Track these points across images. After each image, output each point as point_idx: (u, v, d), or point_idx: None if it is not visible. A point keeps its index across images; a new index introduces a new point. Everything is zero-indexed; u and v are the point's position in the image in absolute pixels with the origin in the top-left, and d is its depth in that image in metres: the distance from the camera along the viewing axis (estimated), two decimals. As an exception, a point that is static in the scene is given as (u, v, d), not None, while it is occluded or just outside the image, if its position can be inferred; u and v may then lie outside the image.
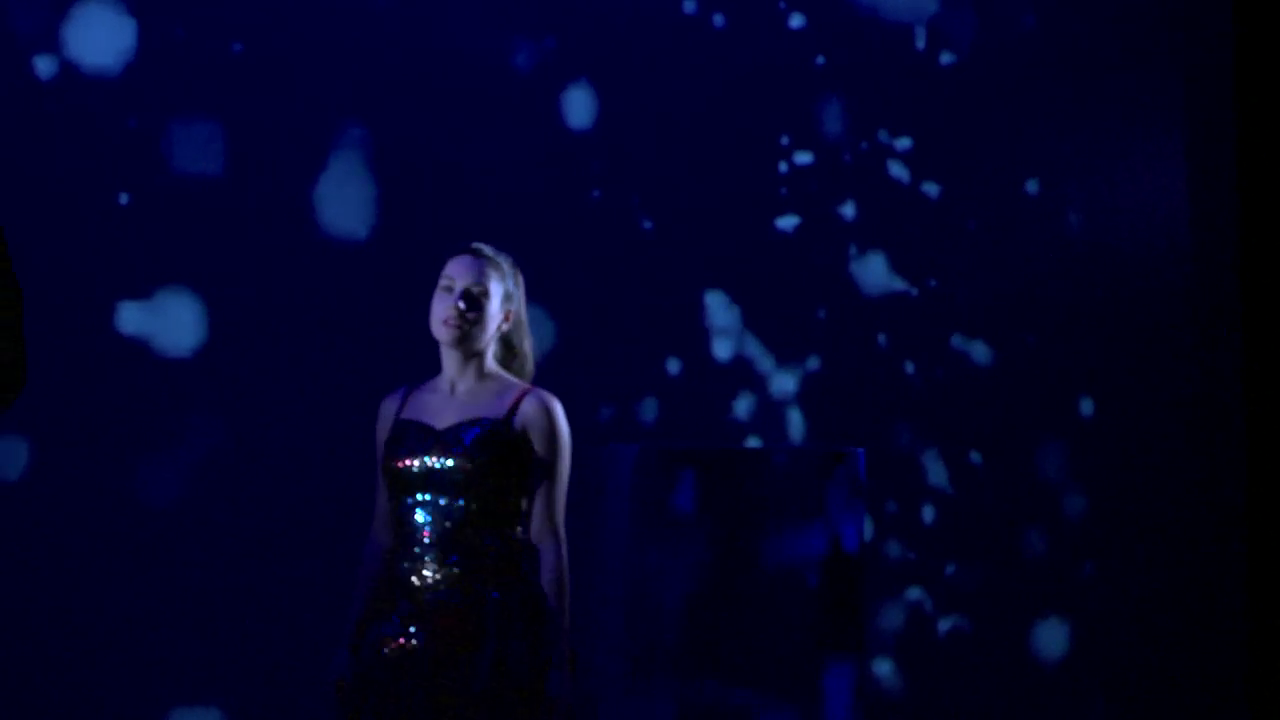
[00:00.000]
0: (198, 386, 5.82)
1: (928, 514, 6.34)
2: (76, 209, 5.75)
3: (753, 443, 6.18)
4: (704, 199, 6.21)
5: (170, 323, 5.81)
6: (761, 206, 6.26)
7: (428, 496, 4.10)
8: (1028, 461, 6.40)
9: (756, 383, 6.24)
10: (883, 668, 6.26)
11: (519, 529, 4.17)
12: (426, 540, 4.09)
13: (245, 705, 5.79)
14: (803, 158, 6.31)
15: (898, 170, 6.39)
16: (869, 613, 6.05)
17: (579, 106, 6.14)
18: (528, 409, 4.20)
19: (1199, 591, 6.47)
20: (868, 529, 6.15)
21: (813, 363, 6.28)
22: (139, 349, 5.78)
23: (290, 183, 5.91)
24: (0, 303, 1.95)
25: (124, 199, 5.79)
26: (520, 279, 4.30)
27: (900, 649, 6.29)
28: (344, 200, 5.95)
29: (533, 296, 6.12)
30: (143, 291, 5.79)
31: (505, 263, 4.26)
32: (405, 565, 4.10)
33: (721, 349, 6.22)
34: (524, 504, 4.19)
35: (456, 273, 4.20)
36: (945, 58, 6.43)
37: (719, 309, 6.22)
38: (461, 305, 4.15)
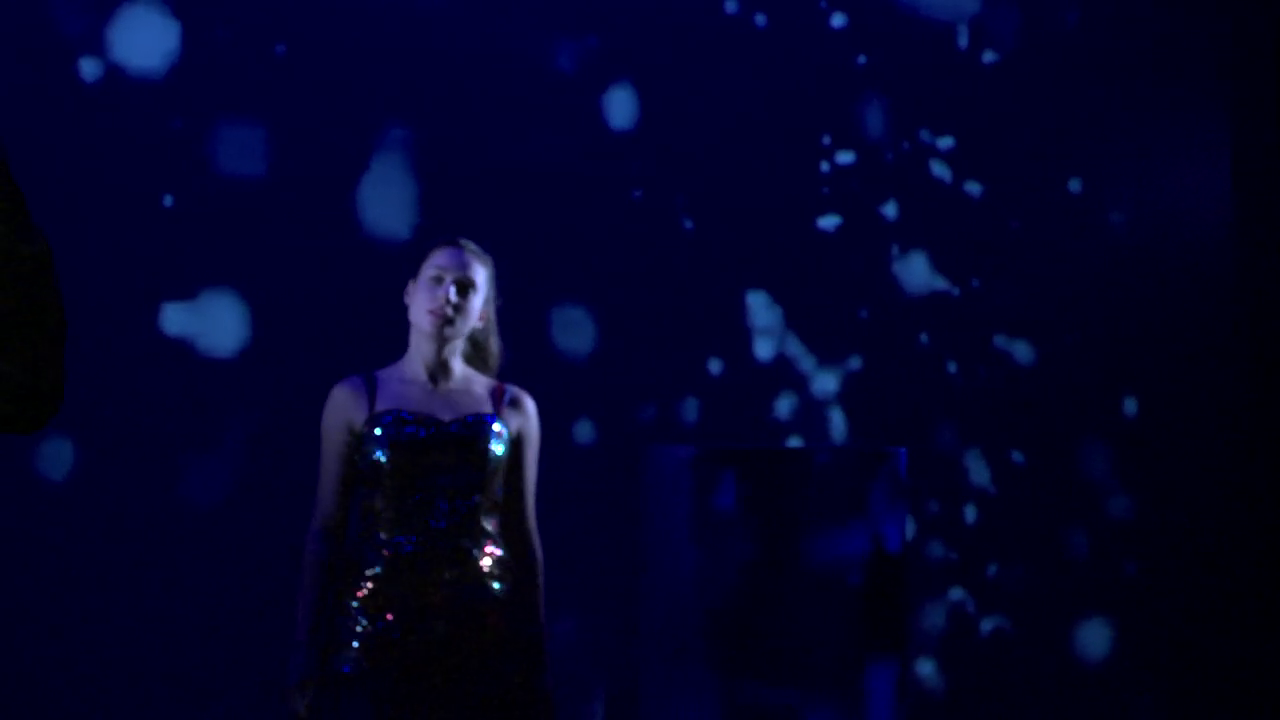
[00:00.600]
0: (241, 387, 5.84)
1: (970, 514, 6.33)
2: (121, 211, 5.78)
3: (794, 443, 6.18)
4: (745, 199, 6.21)
5: (214, 324, 5.83)
6: (803, 206, 6.26)
7: (438, 490, 4.07)
8: (1070, 461, 6.38)
9: (798, 382, 6.23)
10: (925, 668, 6.25)
11: (500, 524, 4.17)
12: (437, 534, 4.06)
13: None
14: (844, 157, 6.30)
15: (940, 170, 6.38)
16: (911, 613, 6.04)
17: (621, 107, 6.14)
18: (512, 404, 4.21)
19: (1243, 591, 6.43)
20: (910, 529, 6.14)
21: (854, 362, 6.28)
22: (183, 350, 5.80)
23: (333, 184, 5.93)
24: (45, 328, 1.95)
25: (168, 201, 5.82)
26: (495, 283, 4.30)
27: (942, 649, 6.27)
28: (386, 201, 5.97)
29: (574, 297, 6.13)
30: (186, 292, 5.82)
31: (490, 262, 4.27)
32: (407, 560, 4.07)
33: (763, 349, 6.22)
34: (502, 500, 4.19)
35: (447, 264, 4.19)
36: (987, 56, 6.41)
37: (760, 309, 6.22)
38: (454, 296, 4.15)
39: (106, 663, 5.67)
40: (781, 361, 6.23)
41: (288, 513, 5.84)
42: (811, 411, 6.24)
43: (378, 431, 4.08)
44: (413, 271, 4.28)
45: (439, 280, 4.17)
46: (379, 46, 5.97)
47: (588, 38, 6.13)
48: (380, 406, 4.12)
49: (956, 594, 6.30)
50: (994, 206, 6.38)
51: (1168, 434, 6.44)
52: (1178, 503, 6.44)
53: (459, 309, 4.15)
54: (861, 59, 6.31)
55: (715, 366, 6.17)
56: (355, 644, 4.01)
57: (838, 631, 5.07)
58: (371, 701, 3.99)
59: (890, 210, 6.32)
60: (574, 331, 6.10)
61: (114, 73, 5.81)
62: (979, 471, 6.34)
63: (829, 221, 6.29)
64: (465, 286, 4.17)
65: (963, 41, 6.40)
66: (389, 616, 4.01)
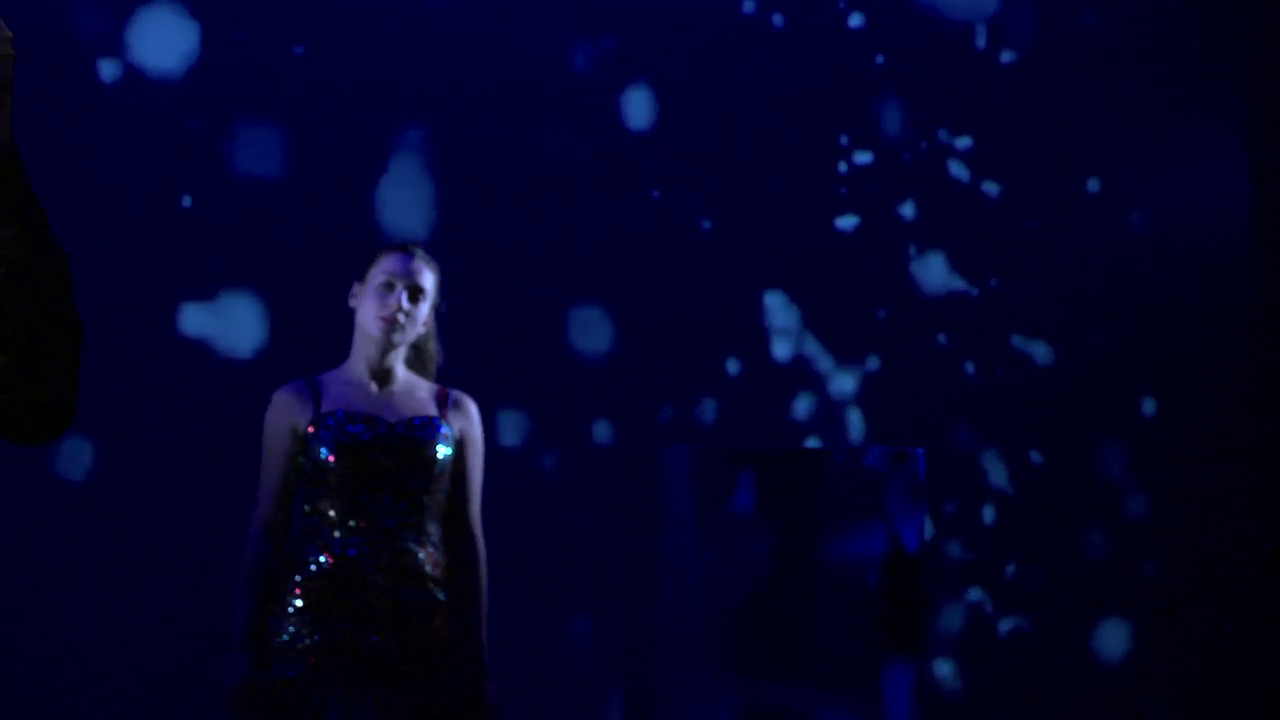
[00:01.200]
0: (259, 387, 5.85)
1: (988, 514, 6.32)
2: (140, 212, 5.79)
3: (812, 443, 6.17)
4: (763, 199, 6.20)
5: (232, 324, 5.84)
6: (821, 206, 6.25)
7: (384, 491, 4.06)
8: (1089, 461, 6.37)
9: (816, 383, 6.23)
10: (943, 668, 6.24)
11: (445, 527, 4.16)
12: (383, 536, 4.05)
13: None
14: (862, 157, 6.29)
15: (958, 169, 6.37)
16: (929, 613, 6.03)
17: (638, 107, 6.14)
18: (455, 407, 4.21)
19: (1262, 591, 6.42)
20: (928, 529, 6.13)
21: (872, 363, 6.27)
22: (202, 350, 5.82)
23: (351, 184, 5.94)
24: (62, 343, 1.96)
25: (187, 201, 5.83)
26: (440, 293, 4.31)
27: (960, 650, 6.26)
28: (404, 202, 5.97)
29: (592, 297, 6.13)
30: (205, 293, 5.83)
31: (437, 268, 4.27)
32: (354, 562, 4.03)
33: (781, 349, 6.22)
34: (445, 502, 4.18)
35: (397, 270, 4.19)
36: (1005, 56, 6.41)
37: (778, 309, 6.22)
38: (405, 304, 4.15)
39: (125, 662, 5.68)
40: (799, 362, 6.23)
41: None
42: (829, 412, 6.23)
43: (322, 432, 4.07)
44: (359, 275, 4.28)
45: (390, 287, 4.16)
46: (397, 48, 5.98)
47: (605, 38, 6.13)
48: (326, 408, 4.12)
49: (975, 594, 6.30)
50: (1012, 206, 6.37)
51: (1186, 434, 6.43)
52: (1196, 502, 6.43)
53: (409, 315, 4.16)
54: (879, 59, 6.31)
55: (733, 367, 6.17)
56: (298, 647, 3.99)
57: (855, 632, 5.06)
58: (314, 706, 3.98)
59: (908, 210, 6.32)
60: (592, 332, 6.10)
61: (133, 74, 5.82)
62: (997, 471, 6.33)
63: (847, 221, 6.28)
64: (416, 293, 4.17)
65: (981, 41, 6.39)
66: (333, 619, 3.99)
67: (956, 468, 6.26)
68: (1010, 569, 6.31)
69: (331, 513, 4.04)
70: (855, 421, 6.24)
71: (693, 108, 6.17)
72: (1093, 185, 6.43)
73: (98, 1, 5.80)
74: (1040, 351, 6.38)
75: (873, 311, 6.27)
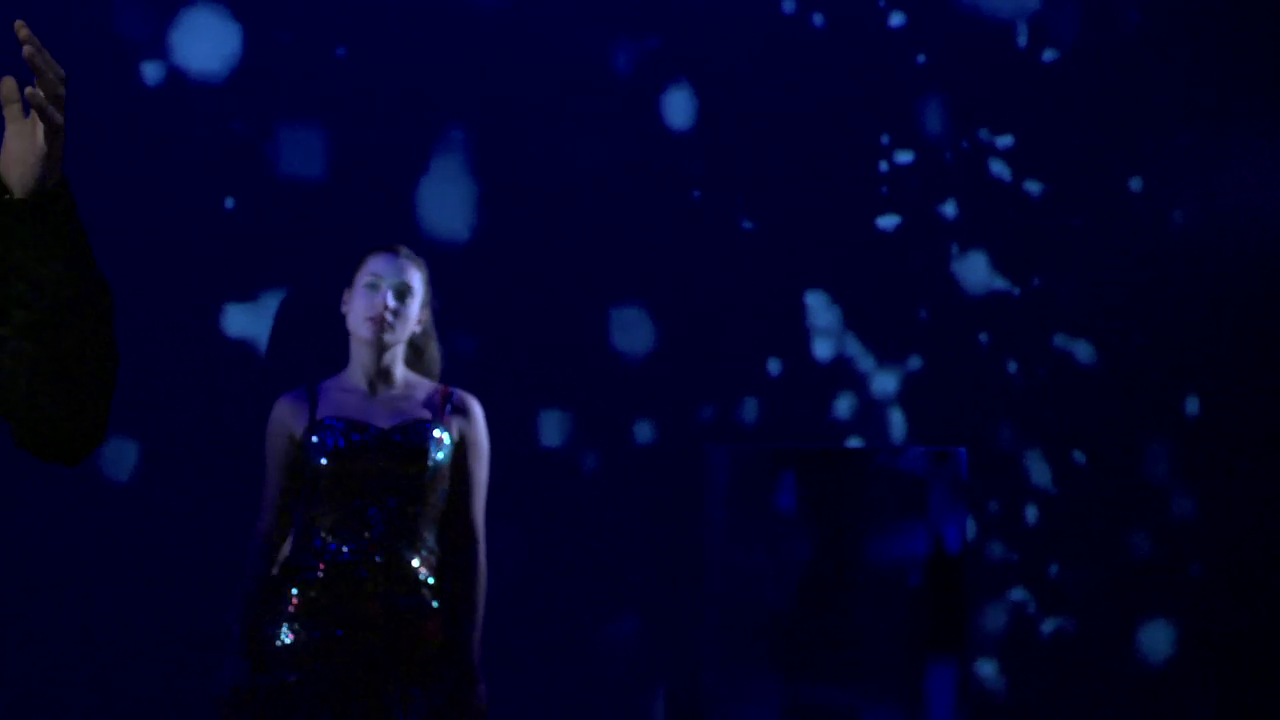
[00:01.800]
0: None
1: (1031, 514, 6.30)
2: (183, 213, 5.82)
3: (854, 443, 6.16)
4: (804, 199, 6.20)
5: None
6: (862, 206, 6.24)
7: (378, 497, 4.04)
8: (1132, 461, 6.34)
9: (857, 382, 6.22)
10: (986, 669, 6.22)
11: (442, 533, 4.12)
12: (375, 542, 4.02)
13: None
14: (903, 157, 6.28)
15: (999, 168, 6.35)
16: (972, 613, 6.01)
17: (679, 107, 6.14)
18: (456, 409, 4.16)
19: (1308, 593, 6.38)
20: (970, 529, 6.11)
21: (914, 362, 6.26)
22: (245, 351, 5.84)
23: (392, 185, 5.95)
24: (99, 373, 2.01)
25: (229, 203, 5.86)
26: (429, 285, 4.28)
27: (1003, 650, 6.24)
28: (445, 202, 5.99)
29: (633, 297, 6.13)
30: (248, 294, 5.85)
31: (424, 265, 4.24)
32: (345, 568, 4.03)
33: (822, 349, 6.21)
34: (445, 507, 4.14)
35: (383, 270, 4.16)
36: (1047, 55, 6.38)
37: (819, 309, 6.21)
38: (391, 302, 4.12)
39: (170, 661, 5.70)
40: (840, 361, 6.22)
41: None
42: (871, 411, 6.22)
43: (315, 439, 4.07)
44: (348, 280, 4.27)
45: (375, 287, 4.14)
46: (438, 48, 5.99)
47: (646, 38, 6.13)
48: (320, 414, 4.11)
49: (1017, 595, 6.27)
50: (1054, 205, 6.35)
51: (1230, 433, 6.39)
52: (1241, 503, 6.39)
53: (397, 314, 4.13)
54: (920, 58, 6.29)
55: (774, 367, 6.16)
56: (292, 652, 3.99)
57: (898, 632, 5.05)
58: (306, 711, 3.97)
59: (949, 209, 6.30)
60: (633, 332, 6.10)
61: (175, 76, 5.85)
62: (1040, 471, 6.31)
63: (888, 221, 6.27)
64: (402, 292, 4.14)
65: (1022, 40, 6.37)
66: (325, 624, 3.99)
67: (999, 468, 6.24)
68: (1053, 569, 6.29)
69: (325, 519, 4.05)
70: (897, 421, 6.23)
71: (733, 107, 6.16)
72: (1135, 184, 6.40)
73: (141, 4, 5.83)
74: (1083, 351, 6.36)
75: (914, 311, 6.25)
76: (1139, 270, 6.38)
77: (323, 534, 4.02)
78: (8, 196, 1.91)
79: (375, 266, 4.16)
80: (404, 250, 4.21)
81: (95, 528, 5.70)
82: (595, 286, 6.05)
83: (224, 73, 5.88)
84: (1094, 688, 6.28)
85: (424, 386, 4.19)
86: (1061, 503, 6.30)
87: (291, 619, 4.00)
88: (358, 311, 4.14)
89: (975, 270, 6.31)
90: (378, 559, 4.00)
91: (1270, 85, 6.48)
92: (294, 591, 4.03)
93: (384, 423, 4.08)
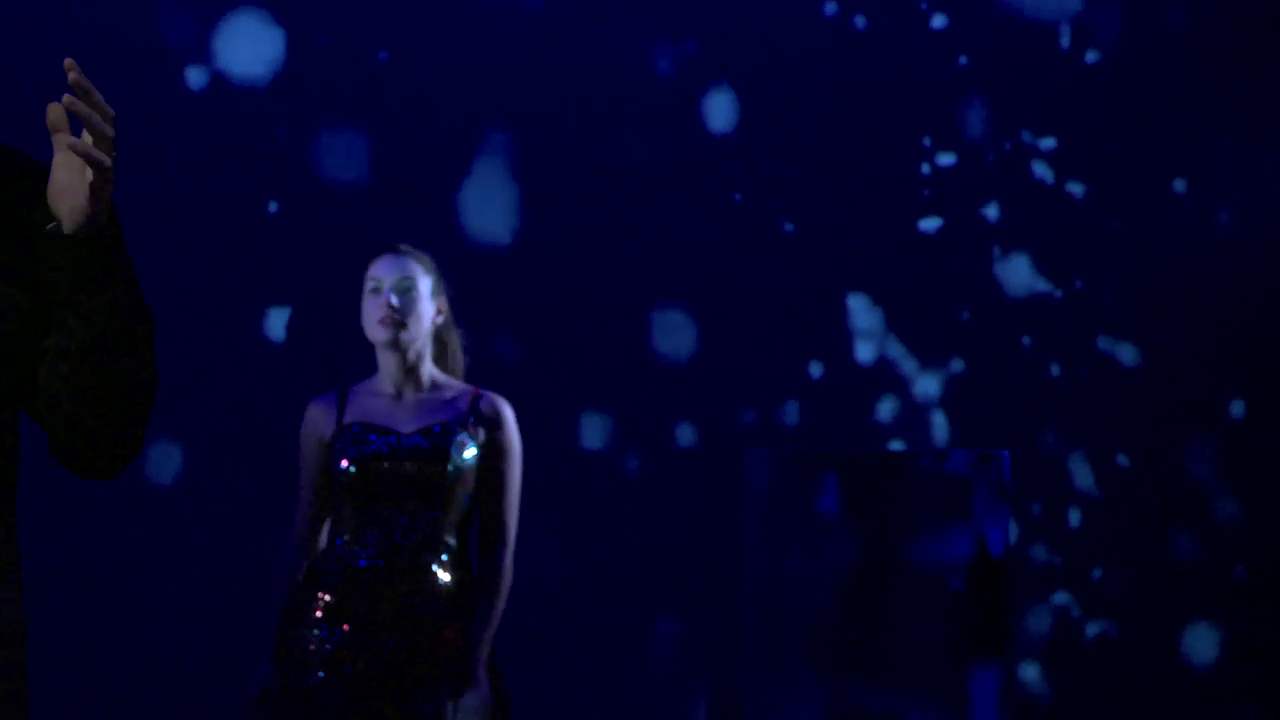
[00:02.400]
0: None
1: (1074, 517, 6.27)
2: (227, 217, 5.84)
3: (896, 446, 6.15)
4: (846, 201, 6.19)
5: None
6: (904, 208, 6.23)
7: (399, 501, 4.03)
8: (1176, 464, 6.31)
9: (900, 385, 6.21)
10: (1029, 672, 6.21)
11: (469, 538, 4.09)
12: (395, 547, 4.02)
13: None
14: (945, 159, 6.27)
15: (1042, 170, 6.33)
16: (1014, 617, 6.00)
17: (720, 110, 6.14)
18: (484, 413, 4.12)
19: (1354, 596, 6.34)
20: (1013, 532, 6.10)
21: (956, 365, 6.24)
22: (288, 354, 5.86)
23: (435, 188, 5.97)
24: (136, 397, 2.05)
25: (273, 207, 5.88)
26: (440, 275, 4.23)
27: (1047, 653, 6.22)
28: (488, 205, 6.00)
29: (674, 299, 6.14)
30: (291, 298, 5.87)
31: (427, 259, 4.21)
32: (363, 574, 4.05)
33: (864, 351, 6.20)
34: (472, 512, 4.11)
35: (382, 272, 4.13)
36: (1090, 56, 6.36)
37: (861, 311, 6.20)
38: (395, 301, 4.08)
39: (214, 663, 5.73)
40: (883, 364, 6.21)
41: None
42: (913, 414, 6.21)
43: (339, 443, 4.07)
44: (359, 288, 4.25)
45: (378, 290, 4.11)
46: (480, 51, 6.01)
47: (687, 41, 6.14)
48: (347, 419, 4.10)
49: (1061, 598, 6.25)
50: (1097, 207, 6.33)
51: (1275, 435, 6.36)
52: (1286, 506, 6.35)
53: (404, 311, 4.09)
54: (962, 60, 6.28)
55: (816, 369, 6.16)
56: (312, 656, 4.00)
57: (941, 635, 5.04)
58: (325, 715, 3.98)
59: (992, 211, 6.28)
60: (674, 334, 6.10)
61: (219, 81, 5.88)
62: (1083, 474, 6.28)
63: (930, 223, 6.26)
64: (405, 288, 4.10)
65: (1065, 41, 6.35)
66: (344, 628, 3.99)
67: (1042, 470, 6.22)
68: (1097, 573, 6.27)
69: (347, 523, 4.05)
70: (939, 424, 6.22)
71: (775, 110, 6.16)
72: (1179, 185, 6.38)
73: (185, 10, 5.86)
74: (1126, 353, 6.33)
75: (956, 313, 6.24)
76: (1182, 272, 6.35)
77: (345, 538, 4.03)
78: (53, 225, 1.93)
79: (375, 270, 4.14)
80: (403, 247, 4.18)
81: (140, 530, 5.73)
82: (637, 289, 6.05)
83: (267, 77, 5.91)
84: (1137, 692, 6.25)
85: (453, 389, 4.15)
86: (1105, 506, 6.27)
87: (316, 623, 4.02)
88: (367, 318, 4.12)
89: (1018, 272, 6.30)
90: (396, 565, 4.00)
91: (1315, 86, 6.44)
92: (319, 595, 4.04)
93: (406, 427, 4.06)
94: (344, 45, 5.94)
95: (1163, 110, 6.37)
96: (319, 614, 4.02)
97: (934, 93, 6.25)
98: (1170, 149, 6.37)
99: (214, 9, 5.87)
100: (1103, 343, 6.33)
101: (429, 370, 4.15)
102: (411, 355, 4.12)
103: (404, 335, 4.08)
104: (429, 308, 4.14)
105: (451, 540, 4.05)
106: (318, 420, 4.14)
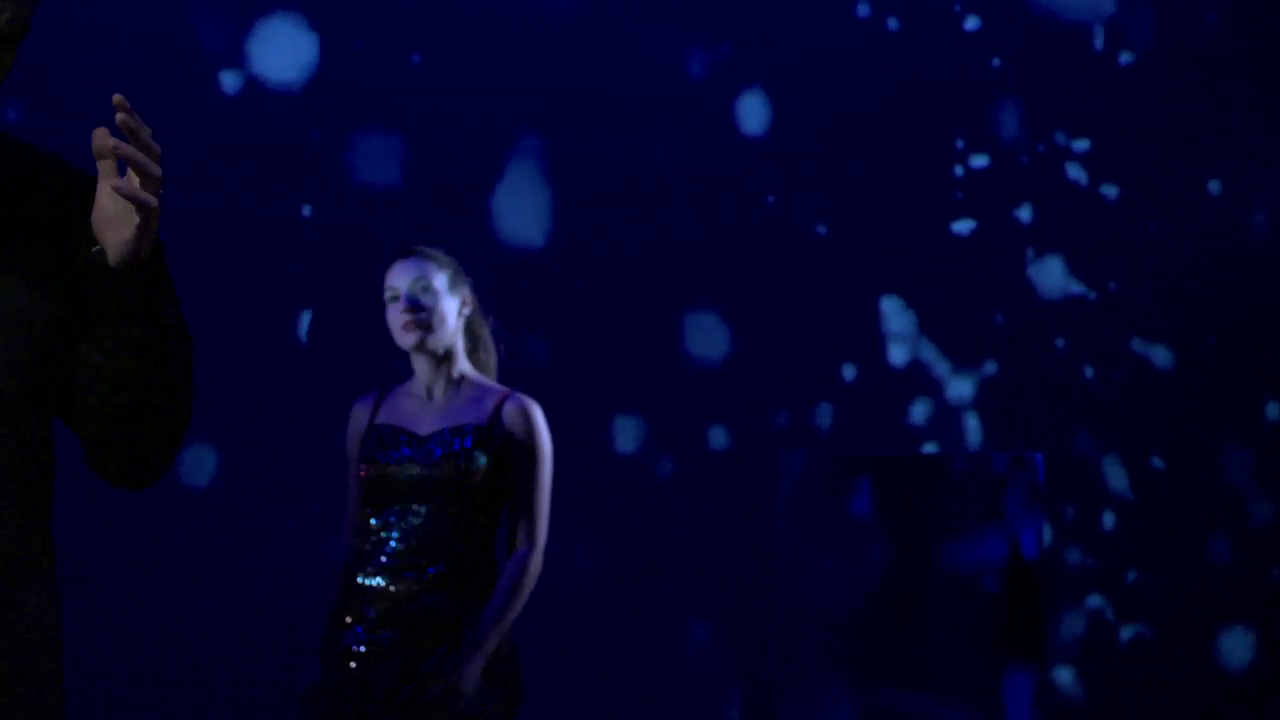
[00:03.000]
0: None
1: (1108, 520, 6.26)
2: (261, 220, 5.87)
3: (930, 448, 6.14)
4: (879, 204, 6.19)
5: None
6: (937, 210, 6.22)
7: (410, 504, 4.04)
8: (1211, 467, 6.29)
9: (933, 388, 6.20)
10: (1063, 675, 6.19)
11: (493, 540, 4.09)
12: (404, 549, 4.04)
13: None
14: (979, 161, 6.26)
15: (1075, 172, 6.32)
16: (1049, 620, 5.98)
17: (753, 113, 6.14)
18: (510, 415, 4.10)
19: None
20: (1047, 535, 6.08)
21: (990, 367, 6.23)
22: (322, 357, 5.88)
23: (468, 192, 5.98)
24: (172, 420, 2.08)
25: (307, 210, 5.90)
26: (461, 269, 4.23)
27: (1081, 657, 6.21)
28: (521, 208, 6.01)
29: (707, 302, 6.14)
30: (325, 301, 5.89)
31: (440, 254, 4.20)
32: (376, 573, 4.05)
33: (897, 354, 6.19)
34: (500, 514, 4.12)
35: (396, 279, 4.13)
36: (1124, 57, 6.35)
37: (895, 314, 6.20)
38: (414, 304, 4.09)
39: (248, 664, 5.75)
40: (916, 367, 6.20)
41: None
42: (947, 417, 6.20)
43: (365, 446, 4.10)
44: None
45: (395, 298, 4.13)
46: (512, 55, 6.02)
47: (720, 44, 6.14)
48: (377, 420, 4.13)
49: (1095, 601, 6.24)
50: (1131, 209, 6.31)
51: (1311, 439, 6.34)
52: (1322, 509, 6.33)
53: (423, 310, 4.10)
54: (995, 61, 6.27)
55: (849, 372, 6.15)
56: (342, 653, 4.04)
57: (975, 638, 5.03)
58: (342, 711, 4.01)
59: (1025, 214, 6.27)
60: (707, 337, 6.11)
61: (254, 85, 5.90)
62: (1117, 477, 6.27)
63: (963, 226, 6.25)
64: (421, 290, 4.11)
65: (1098, 43, 6.34)
66: (366, 626, 4.02)
67: (1076, 473, 6.21)
68: (1131, 576, 6.25)
69: (372, 524, 4.08)
70: (973, 427, 6.21)
71: (808, 113, 6.16)
72: (1214, 187, 6.36)
73: (219, 14, 5.89)
74: (1160, 355, 6.32)
75: (990, 316, 6.23)
76: (1217, 274, 6.33)
77: (370, 539, 4.07)
78: (97, 249, 1.94)
79: (390, 280, 4.16)
80: (418, 249, 4.19)
81: (175, 532, 5.76)
82: (670, 292, 6.06)
83: (301, 81, 5.93)
84: (1172, 695, 6.23)
85: (484, 389, 4.16)
86: (1139, 508, 6.26)
87: (345, 621, 4.06)
88: (393, 326, 4.14)
89: (1051, 275, 6.28)
90: (410, 564, 4.02)
91: (1351, 87, 6.42)
92: (347, 595, 4.08)
93: (426, 429, 4.08)
94: (377, 49, 5.96)
95: (1197, 112, 6.35)
96: (350, 617, 4.06)
97: (967, 94, 6.25)
98: (1204, 151, 6.35)
99: (248, 14, 5.89)
100: (1137, 345, 6.31)
101: (461, 367, 4.16)
102: (442, 355, 4.13)
103: (430, 339, 4.10)
104: (451, 302, 4.14)
105: (466, 541, 4.05)
106: (357, 420, 4.21)
